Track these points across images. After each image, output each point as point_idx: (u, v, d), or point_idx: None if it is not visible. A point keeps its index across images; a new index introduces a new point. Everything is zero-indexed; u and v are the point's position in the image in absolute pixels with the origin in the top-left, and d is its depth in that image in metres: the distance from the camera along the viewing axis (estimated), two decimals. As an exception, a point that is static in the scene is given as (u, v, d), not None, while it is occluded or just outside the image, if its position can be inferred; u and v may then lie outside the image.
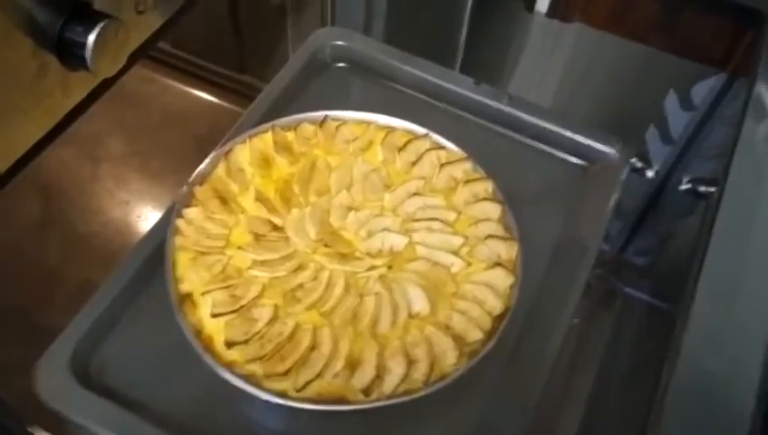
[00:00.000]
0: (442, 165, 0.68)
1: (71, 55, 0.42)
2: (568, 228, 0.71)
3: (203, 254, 0.61)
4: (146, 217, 0.99)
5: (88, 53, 0.41)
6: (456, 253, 0.63)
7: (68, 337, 0.59)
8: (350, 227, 0.65)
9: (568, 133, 0.76)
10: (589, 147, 0.75)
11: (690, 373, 0.47)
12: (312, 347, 0.57)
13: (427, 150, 0.69)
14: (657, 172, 0.84)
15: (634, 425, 0.51)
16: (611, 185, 0.73)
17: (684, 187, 0.77)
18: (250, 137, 0.69)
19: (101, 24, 0.42)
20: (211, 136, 0.71)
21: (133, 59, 0.49)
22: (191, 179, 0.66)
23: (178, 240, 0.62)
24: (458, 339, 0.58)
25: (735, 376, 0.47)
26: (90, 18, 0.42)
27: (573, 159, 0.76)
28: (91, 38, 0.41)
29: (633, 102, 0.86)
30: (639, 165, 0.83)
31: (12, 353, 0.70)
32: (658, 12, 0.79)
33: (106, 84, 0.49)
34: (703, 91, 0.77)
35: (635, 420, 0.52)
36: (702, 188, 0.74)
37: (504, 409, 0.59)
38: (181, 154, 1.01)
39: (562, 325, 0.64)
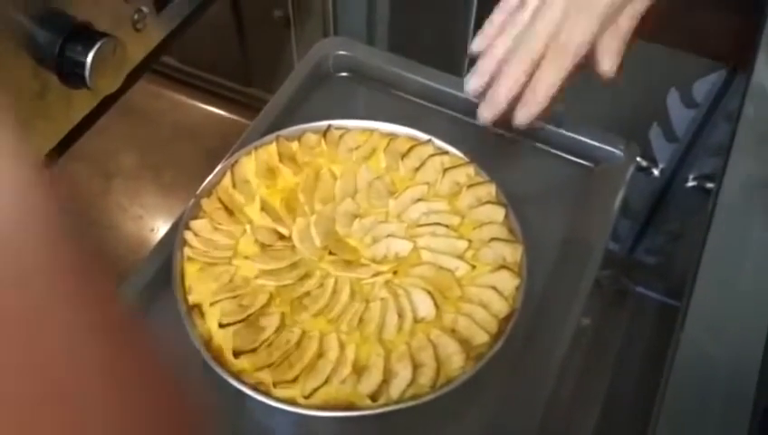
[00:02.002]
0: (445, 170, 0.69)
1: (71, 74, 0.43)
2: (574, 229, 0.71)
3: (210, 265, 0.62)
4: (159, 231, 1.00)
5: (87, 72, 0.42)
6: (460, 257, 0.64)
7: (81, 350, 0.60)
8: (355, 234, 0.65)
9: (571, 135, 0.76)
10: (593, 147, 0.75)
11: (692, 359, 0.48)
12: (320, 354, 0.58)
13: (430, 156, 0.70)
14: (662, 170, 0.84)
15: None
16: (617, 185, 0.73)
17: (690, 184, 0.77)
18: (255, 148, 0.70)
19: (99, 43, 0.43)
20: (221, 148, 0.72)
21: (134, 76, 0.50)
22: (198, 192, 0.67)
23: (186, 252, 0.63)
24: (464, 342, 0.58)
25: (737, 361, 0.47)
26: (88, 37, 0.43)
27: (578, 161, 0.76)
28: (90, 57, 0.42)
29: (635, 101, 0.86)
30: (645, 164, 0.83)
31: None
32: (664, 9, 0.79)
33: (108, 101, 0.50)
34: (704, 87, 0.77)
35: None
36: (708, 185, 0.74)
37: (512, 412, 0.59)
38: (192, 167, 1.03)
39: (570, 326, 0.64)
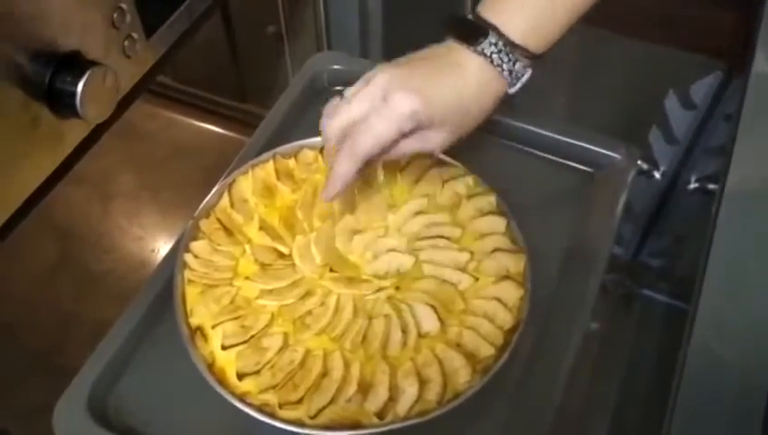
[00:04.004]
0: (444, 181, 0.68)
1: (61, 104, 0.43)
2: (577, 236, 0.70)
3: (211, 286, 0.62)
4: (159, 252, 0.99)
5: (78, 102, 0.42)
6: (463, 269, 0.63)
7: (83, 378, 0.59)
8: (356, 249, 0.65)
9: (571, 141, 0.75)
10: (593, 153, 0.75)
11: (702, 363, 0.47)
12: (324, 373, 0.57)
13: (429, 168, 0.69)
14: (663, 173, 0.83)
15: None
16: (618, 189, 0.72)
17: (692, 186, 0.77)
18: (252, 167, 0.69)
19: (89, 72, 0.42)
20: (218, 166, 0.72)
21: (127, 101, 0.50)
22: (197, 213, 0.66)
23: (186, 274, 0.62)
24: (470, 356, 0.58)
25: (748, 363, 0.47)
26: (78, 67, 0.42)
27: (579, 166, 0.76)
28: (80, 86, 0.42)
29: (634, 105, 0.86)
30: (646, 167, 0.82)
31: (32, 396, 0.70)
32: (661, 8, 0.79)
33: (102, 127, 0.50)
34: (702, 89, 0.76)
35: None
36: (710, 186, 0.73)
37: (521, 424, 0.59)
38: (191, 186, 1.02)
39: (578, 334, 0.63)
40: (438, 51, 0.56)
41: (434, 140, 0.57)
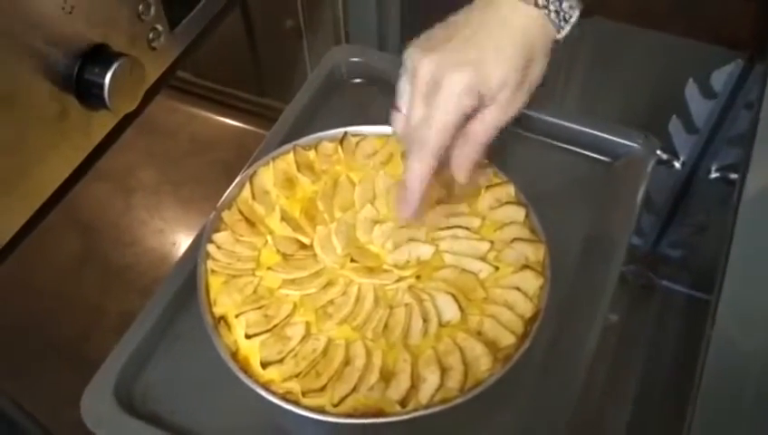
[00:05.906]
0: (464, 172, 0.68)
1: (90, 95, 0.44)
2: (596, 226, 0.70)
3: (234, 277, 0.63)
4: (180, 245, 1.00)
5: (106, 93, 0.43)
6: (483, 258, 0.63)
7: (110, 366, 0.60)
8: (377, 240, 0.65)
9: (590, 131, 0.75)
10: (612, 143, 0.75)
11: (724, 356, 0.47)
12: (346, 362, 0.58)
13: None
14: (683, 163, 0.83)
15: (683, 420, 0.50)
16: (638, 179, 0.72)
17: (713, 175, 0.76)
18: (273, 159, 0.70)
19: (117, 63, 0.43)
20: (238, 160, 0.72)
21: (152, 93, 0.51)
22: (219, 204, 0.67)
23: (210, 265, 0.63)
24: (491, 344, 0.58)
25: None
26: (105, 58, 0.43)
27: (598, 157, 0.76)
28: (108, 77, 0.43)
29: (653, 94, 0.85)
30: (665, 157, 0.82)
31: (61, 386, 0.72)
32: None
33: (128, 120, 0.50)
34: (722, 77, 0.76)
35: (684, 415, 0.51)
36: (732, 176, 0.73)
37: (542, 412, 0.59)
38: (211, 180, 1.03)
39: (597, 323, 0.63)
40: (471, 12, 0.54)
41: (496, 113, 0.55)
